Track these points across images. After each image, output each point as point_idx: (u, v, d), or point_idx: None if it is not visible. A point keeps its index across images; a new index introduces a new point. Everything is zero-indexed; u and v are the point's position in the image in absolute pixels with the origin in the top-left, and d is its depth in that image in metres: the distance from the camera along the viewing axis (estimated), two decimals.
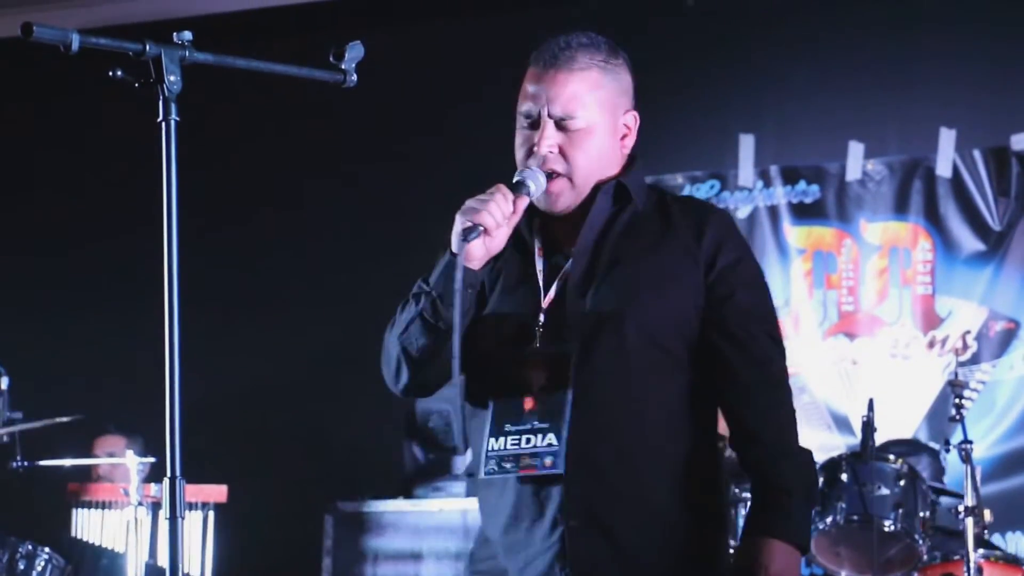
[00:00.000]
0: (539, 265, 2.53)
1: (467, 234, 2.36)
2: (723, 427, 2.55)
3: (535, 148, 2.49)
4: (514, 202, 2.41)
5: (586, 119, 2.51)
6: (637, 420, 2.44)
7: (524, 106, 2.53)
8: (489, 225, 2.38)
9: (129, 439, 5.83)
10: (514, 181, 2.44)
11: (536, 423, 2.43)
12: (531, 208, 2.51)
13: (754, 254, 2.65)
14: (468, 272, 2.39)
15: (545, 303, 2.49)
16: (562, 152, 2.49)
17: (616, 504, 2.42)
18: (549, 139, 2.49)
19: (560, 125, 2.50)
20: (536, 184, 2.45)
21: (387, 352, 2.51)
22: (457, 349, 2.33)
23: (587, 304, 2.46)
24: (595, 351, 2.43)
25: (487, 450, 2.44)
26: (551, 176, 2.48)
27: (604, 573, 2.41)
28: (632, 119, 2.62)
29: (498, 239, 2.42)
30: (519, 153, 2.51)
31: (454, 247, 2.39)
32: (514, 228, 2.46)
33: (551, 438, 2.40)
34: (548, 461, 2.40)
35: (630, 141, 2.61)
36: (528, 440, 2.43)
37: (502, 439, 2.45)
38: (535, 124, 2.51)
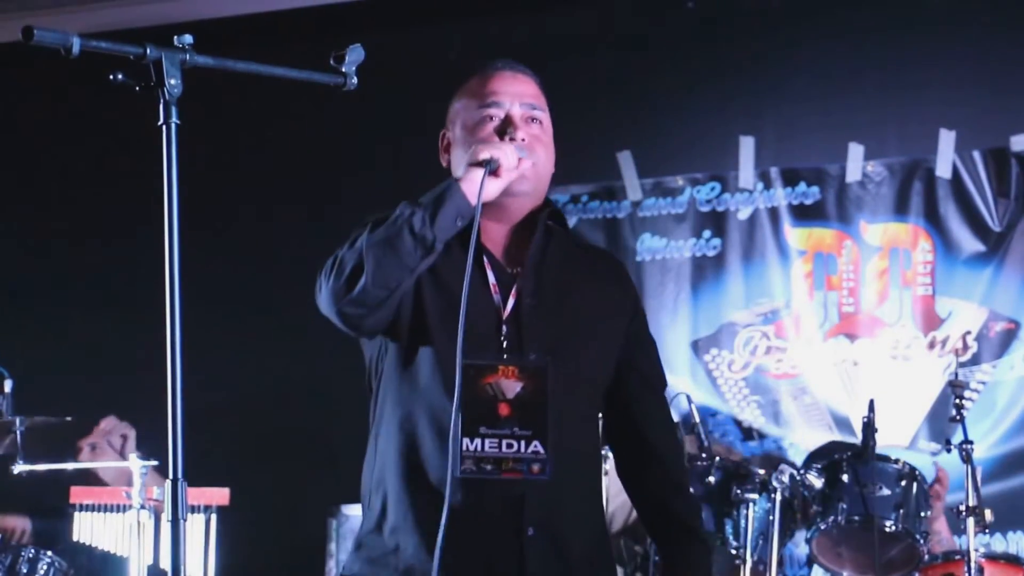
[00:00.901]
0: (489, 275, 2.57)
1: (485, 162, 2.42)
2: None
3: (510, 137, 2.55)
4: (519, 163, 2.48)
5: (547, 119, 2.65)
6: (585, 436, 2.62)
7: (487, 108, 2.60)
8: (504, 164, 2.44)
9: (130, 425, 5.84)
10: (480, 158, 2.45)
11: (516, 429, 2.47)
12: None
13: None
14: (467, 208, 2.42)
15: (505, 315, 2.54)
16: (533, 143, 2.59)
17: (568, 515, 2.53)
18: (520, 129, 2.58)
19: (527, 119, 2.60)
20: (507, 160, 2.46)
21: (343, 262, 2.44)
22: (468, 279, 2.35)
23: (545, 325, 2.54)
24: (562, 370, 2.51)
25: (463, 449, 2.45)
26: (526, 159, 2.54)
27: None
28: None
29: (494, 187, 2.45)
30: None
31: (460, 173, 2.45)
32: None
33: (536, 446, 2.46)
34: (535, 468, 2.46)
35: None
36: (510, 445, 2.47)
37: (477, 440, 2.46)
38: (503, 122, 2.59)
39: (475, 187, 2.41)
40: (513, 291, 2.55)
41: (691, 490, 2.80)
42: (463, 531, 2.40)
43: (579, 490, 2.58)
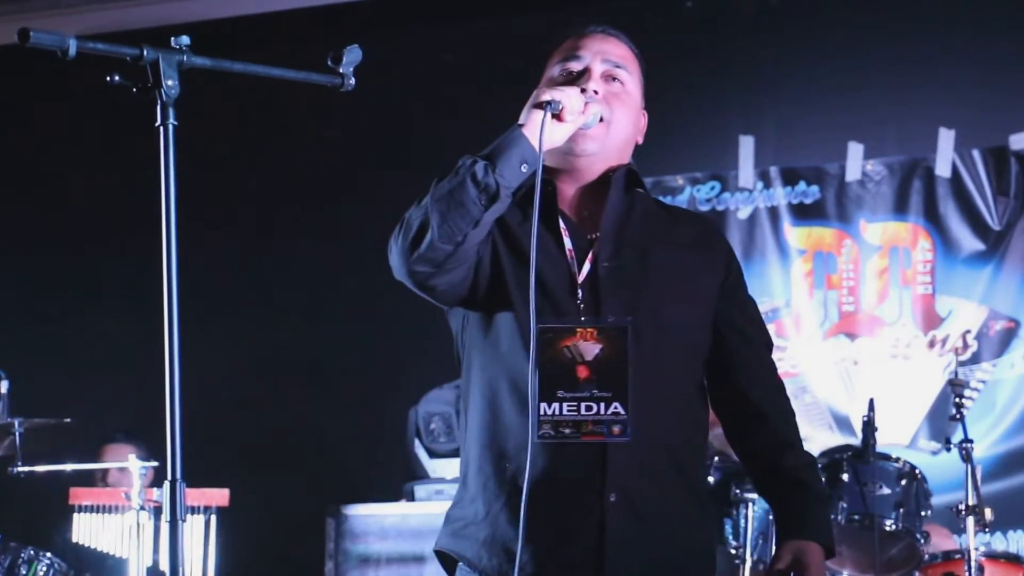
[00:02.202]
0: (565, 239, 2.51)
1: (545, 105, 2.34)
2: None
3: (582, 88, 2.45)
4: (584, 107, 2.40)
5: (633, 82, 2.58)
6: (674, 402, 2.50)
7: (567, 61, 2.55)
8: (568, 107, 2.36)
9: (137, 448, 5.82)
10: (542, 99, 2.35)
11: (596, 391, 2.41)
12: (548, 182, 2.49)
13: None
14: (531, 153, 2.33)
15: (580, 278, 2.48)
16: (607, 101, 2.51)
17: (653, 480, 2.44)
18: (596, 81, 2.51)
19: (608, 77, 2.54)
20: (570, 102, 2.38)
21: (409, 220, 2.37)
22: (537, 214, 2.31)
23: (624, 287, 2.47)
24: (643, 331, 2.44)
25: (540, 414, 2.39)
26: (599, 118, 2.48)
27: (635, 547, 2.41)
28: (645, 119, 2.66)
29: (559, 133, 2.37)
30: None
31: (523, 119, 2.36)
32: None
33: (617, 407, 2.40)
34: (616, 429, 2.39)
35: (641, 138, 2.66)
36: (589, 408, 2.41)
37: (555, 404, 2.41)
38: (578, 74, 2.53)
39: (536, 129, 2.33)
40: (590, 255, 2.49)
41: (804, 447, 2.64)
42: (543, 497, 2.35)
43: (668, 455, 2.47)
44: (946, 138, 6.18)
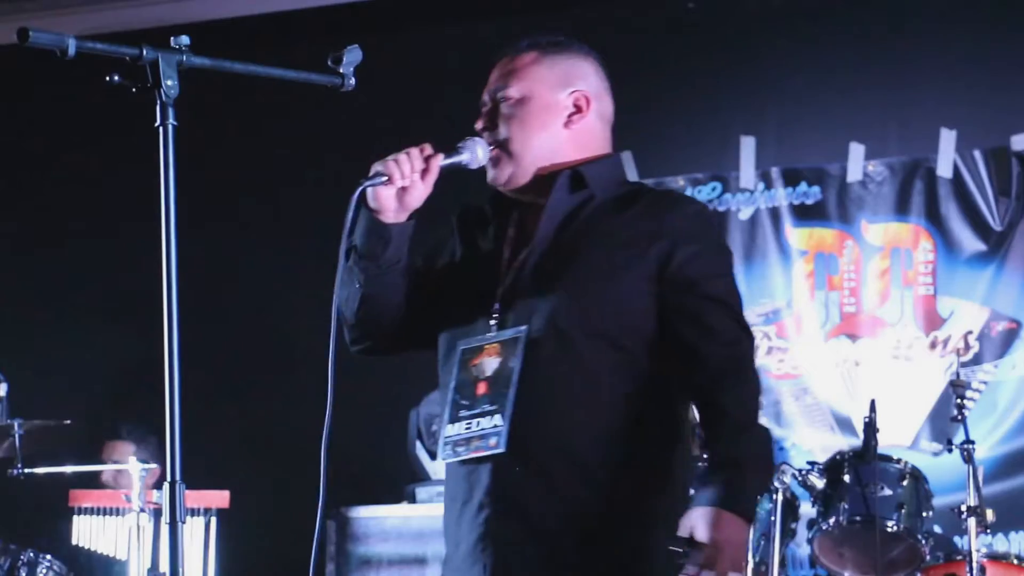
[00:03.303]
0: (505, 254, 2.56)
1: (368, 178, 2.48)
2: None
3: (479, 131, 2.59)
4: (429, 159, 2.49)
5: (519, 89, 2.59)
6: (580, 410, 2.44)
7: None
8: (392, 175, 2.47)
9: (139, 446, 5.82)
10: (370, 174, 2.51)
11: (486, 406, 2.46)
12: (509, 199, 2.60)
13: (723, 243, 2.69)
14: (377, 223, 2.52)
15: (500, 291, 2.52)
16: (499, 124, 2.57)
17: (542, 491, 2.42)
18: (486, 115, 2.60)
19: (496, 100, 2.60)
20: (472, 153, 2.53)
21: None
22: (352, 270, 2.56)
23: (536, 293, 2.47)
24: (542, 339, 2.44)
25: (444, 436, 2.49)
26: (492, 148, 2.56)
27: (522, 560, 2.42)
28: (582, 99, 2.62)
29: (414, 194, 2.50)
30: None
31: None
32: (492, 220, 2.59)
33: (496, 419, 2.43)
34: (492, 441, 2.42)
35: (584, 124, 2.62)
36: (478, 423, 2.45)
37: (457, 424, 2.49)
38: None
39: (375, 202, 2.51)
40: (513, 267, 2.53)
41: (755, 432, 2.44)
42: (455, 516, 2.50)
43: (567, 462, 2.41)
44: (947, 139, 6.18)
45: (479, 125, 2.59)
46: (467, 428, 2.47)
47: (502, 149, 2.55)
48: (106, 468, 5.81)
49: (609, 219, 2.53)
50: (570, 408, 2.43)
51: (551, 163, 2.57)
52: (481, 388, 2.47)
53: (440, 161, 2.51)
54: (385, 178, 2.47)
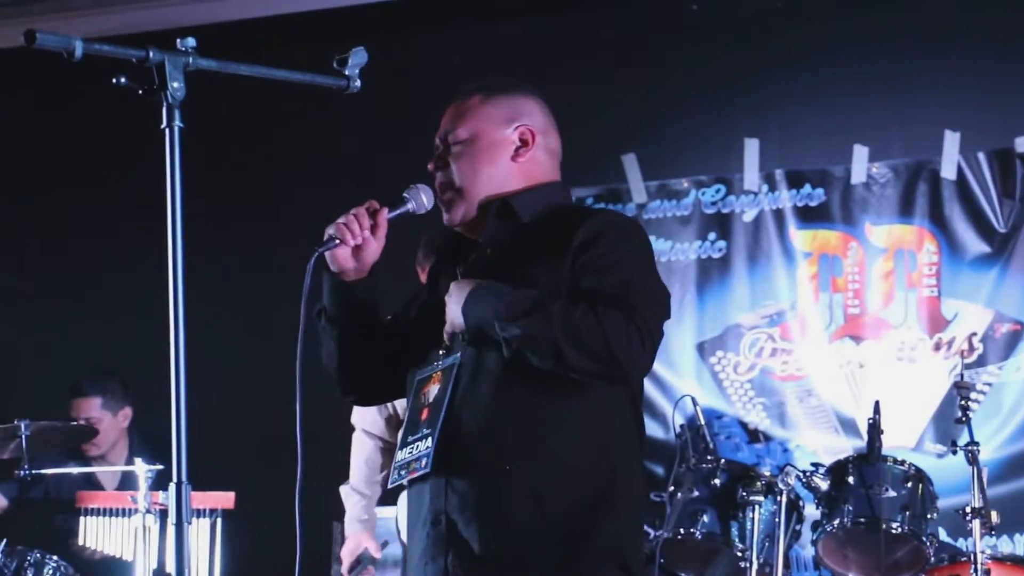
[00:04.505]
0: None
1: (321, 243, 2.60)
2: None
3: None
4: (376, 215, 2.61)
5: (467, 130, 2.68)
6: (502, 428, 2.50)
7: None
8: (344, 237, 2.59)
9: (105, 397, 5.83)
10: (323, 239, 2.63)
11: (424, 430, 2.56)
12: (468, 239, 2.71)
13: (632, 230, 2.65)
14: (340, 284, 2.65)
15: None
16: (449, 163, 2.67)
17: (468, 510, 2.50)
18: (438, 157, 2.70)
19: (447, 142, 2.69)
20: (416, 200, 2.66)
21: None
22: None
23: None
24: (476, 363, 2.53)
25: (394, 461, 2.62)
26: (443, 191, 2.67)
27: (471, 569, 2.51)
28: (527, 133, 2.70)
29: (368, 251, 2.63)
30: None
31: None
32: (450, 260, 2.72)
33: (428, 442, 2.53)
34: (423, 463, 2.53)
35: (530, 156, 2.70)
36: (416, 447, 2.57)
37: (404, 449, 2.61)
38: None
39: (334, 265, 2.65)
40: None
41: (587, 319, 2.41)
42: (410, 534, 2.63)
43: (497, 479, 2.47)
44: (951, 141, 6.17)
45: (431, 167, 2.71)
46: (410, 452, 2.58)
47: (453, 192, 2.67)
48: (103, 469, 5.82)
49: (533, 239, 2.61)
50: (490, 427, 2.51)
51: (498, 194, 2.66)
52: (424, 414, 2.58)
53: (387, 215, 2.63)
54: (338, 241, 2.59)
